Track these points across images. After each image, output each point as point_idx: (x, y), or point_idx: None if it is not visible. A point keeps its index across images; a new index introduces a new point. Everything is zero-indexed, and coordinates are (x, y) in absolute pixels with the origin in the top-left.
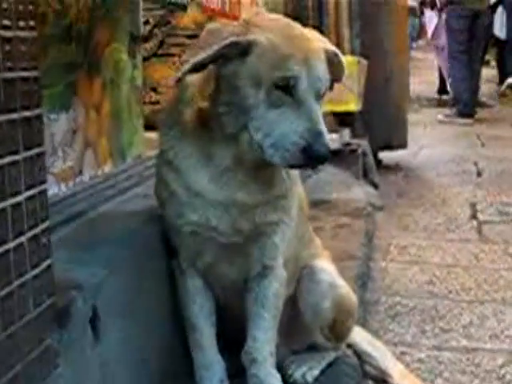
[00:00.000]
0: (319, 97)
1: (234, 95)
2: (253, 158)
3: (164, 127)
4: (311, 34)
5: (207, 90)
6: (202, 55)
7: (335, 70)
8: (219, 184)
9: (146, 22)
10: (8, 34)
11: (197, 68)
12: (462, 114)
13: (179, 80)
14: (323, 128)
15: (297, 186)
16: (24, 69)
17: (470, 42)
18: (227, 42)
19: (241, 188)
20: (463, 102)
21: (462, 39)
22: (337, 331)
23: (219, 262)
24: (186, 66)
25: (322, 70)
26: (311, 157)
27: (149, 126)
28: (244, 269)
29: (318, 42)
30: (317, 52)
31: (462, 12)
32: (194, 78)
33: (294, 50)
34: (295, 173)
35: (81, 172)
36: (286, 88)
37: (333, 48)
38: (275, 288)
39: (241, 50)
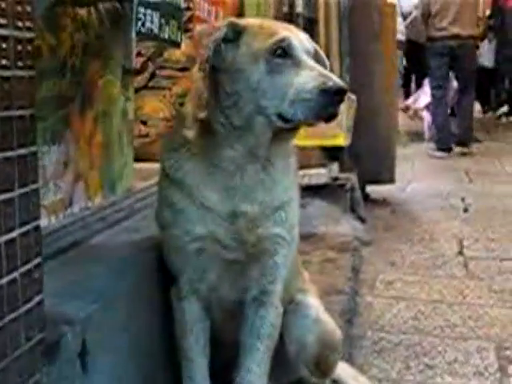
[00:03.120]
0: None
1: (236, 81)
2: (265, 146)
3: (167, 152)
4: None
5: (202, 99)
6: (214, 35)
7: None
8: (225, 194)
9: (139, 54)
10: (6, 73)
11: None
12: (438, 148)
13: (203, 68)
14: (329, 73)
15: (297, 205)
16: (21, 107)
17: (446, 79)
18: (226, 22)
19: (245, 197)
20: (438, 138)
21: (439, 75)
22: (322, 366)
23: (222, 283)
24: (210, 45)
25: (305, 36)
26: (332, 92)
27: (138, 159)
28: (245, 291)
29: None
30: (297, 29)
31: (441, 49)
32: (187, 102)
33: (279, 25)
34: (296, 189)
35: (71, 204)
36: (282, 52)
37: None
38: (272, 318)
39: (236, 33)
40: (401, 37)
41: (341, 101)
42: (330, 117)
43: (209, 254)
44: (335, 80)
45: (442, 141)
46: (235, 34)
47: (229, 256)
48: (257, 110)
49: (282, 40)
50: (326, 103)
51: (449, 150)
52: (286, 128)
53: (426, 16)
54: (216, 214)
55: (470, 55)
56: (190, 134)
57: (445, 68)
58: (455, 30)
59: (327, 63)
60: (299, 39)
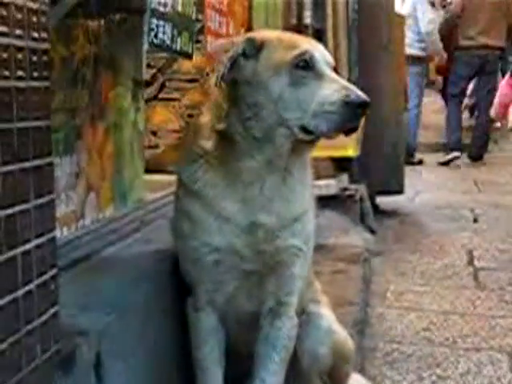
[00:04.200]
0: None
1: (257, 93)
2: (285, 157)
3: (185, 163)
4: None
5: (221, 111)
6: (232, 51)
7: None
8: (244, 205)
9: (149, 66)
10: (22, 84)
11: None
12: (452, 149)
13: (218, 84)
14: (351, 86)
15: (313, 216)
16: (37, 118)
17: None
18: (244, 37)
19: (264, 208)
20: (453, 140)
21: (463, 84)
22: (334, 377)
23: (239, 294)
24: (222, 68)
25: (323, 48)
26: (354, 104)
27: (148, 170)
28: (261, 302)
29: None
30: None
31: (469, 59)
32: (202, 114)
33: (297, 37)
34: (312, 200)
35: (83, 216)
36: (305, 64)
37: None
38: (287, 330)
39: (255, 48)
40: (419, 52)
41: (363, 114)
42: (351, 129)
43: (226, 266)
44: (358, 93)
45: (456, 141)
46: (254, 49)
47: (246, 267)
48: (279, 121)
49: (305, 52)
50: (349, 116)
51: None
52: (305, 140)
53: (452, 26)
54: (234, 225)
55: (494, 68)
56: (208, 144)
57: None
58: (483, 40)
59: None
60: (320, 52)
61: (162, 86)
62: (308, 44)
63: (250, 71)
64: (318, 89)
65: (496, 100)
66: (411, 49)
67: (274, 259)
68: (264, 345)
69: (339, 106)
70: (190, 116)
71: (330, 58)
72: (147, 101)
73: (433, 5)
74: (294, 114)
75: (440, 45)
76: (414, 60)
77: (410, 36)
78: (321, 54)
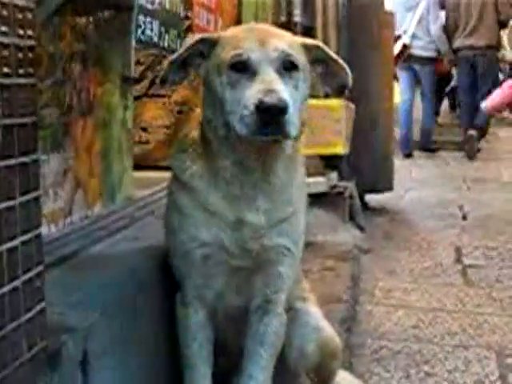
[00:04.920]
0: (281, 68)
1: (211, 93)
2: (255, 156)
3: (177, 153)
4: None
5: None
6: (176, 54)
7: (330, 72)
8: (229, 201)
9: (138, 63)
10: (7, 81)
11: (181, 74)
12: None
13: (163, 81)
14: (276, 87)
15: (303, 217)
16: (22, 115)
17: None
18: (196, 38)
19: (249, 206)
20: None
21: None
22: (322, 374)
23: (228, 290)
24: (165, 64)
25: (278, 43)
26: (264, 109)
27: (138, 166)
28: (249, 298)
29: (288, 35)
30: (277, 34)
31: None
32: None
33: (251, 34)
34: (303, 201)
35: (70, 213)
36: (241, 65)
37: (314, 42)
38: (275, 326)
39: (209, 46)
40: (433, 54)
41: (277, 119)
42: (275, 134)
43: (215, 260)
44: (274, 96)
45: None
46: (208, 48)
47: (235, 263)
48: (226, 122)
49: (241, 53)
50: (263, 120)
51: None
52: (269, 140)
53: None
54: (221, 220)
55: (487, 69)
56: (196, 134)
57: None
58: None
59: (344, 69)
60: (266, 47)
61: (152, 83)
62: (251, 43)
63: (204, 71)
64: (247, 91)
65: (498, 98)
66: (426, 51)
67: (261, 257)
68: (252, 341)
69: (252, 111)
70: (180, 112)
71: (279, 50)
72: (137, 98)
73: (443, 7)
74: (231, 117)
75: (447, 45)
76: (430, 61)
77: (424, 39)
78: (265, 49)
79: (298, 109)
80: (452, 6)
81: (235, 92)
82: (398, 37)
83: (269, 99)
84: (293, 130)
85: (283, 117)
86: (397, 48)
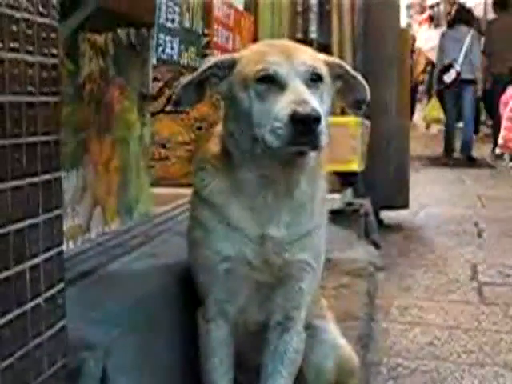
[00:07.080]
0: (308, 80)
1: (235, 108)
2: (279, 170)
3: (197, 169)
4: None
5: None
6: (190, 77)
7: (349, 88)
8: (251, 215)
9: (156, 79)
10: (32, 99)
11: (195, 95)
12: None
13: (176, 104)
14: (308, 97)
15: (324, 232)
16: (46, 133)
17: None
18: (210, 63)
19: (271, 220)
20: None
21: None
22: None
23: (250, 305)
24: (178, 87)
25: (303, 56)
26: (299, 120)
27: (158, 182)
28: (270, 314)
29: (310, 49)
30: (300, 49)
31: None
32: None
33: (275, 49)
34: (324, 216)
35: (88, 229)
36: (269, 79)
37: (334, 59)
38: (295, 344)
39: (227, 66)
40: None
41: (311, 129)
42: (309, 145)
43: (238, 275)
44: (308, 106)
45: None
46: (225, 68)
47: (257, 277)
48: (252, 135)
49: (268, 68)
50: (297, 131)
51: None
52: (295, 153)
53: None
54: (243, 234)
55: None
56: (216, 149)
57: None
58: None
59: (363, 86)
60: (292, 61)
61: (169, 100)
62: (276, 57)
63: (226, 88)
64: (277, 104)
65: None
66: (469, 74)
67: (283, 272)
68: (272, 358)
69: (286, 122)
70: (199, 128)
71: (306, 63)
72: (154, 114)
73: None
74: (261, 130)
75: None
76: (471, 82)
77: (467, 65)
78: (292, 62)
79: (326, 121)
80: None
81: (264, 105)
82: (449, 65)
83: (302, 109)
84: (324, 141)
85: (317, 126)
86: (450, 77)
